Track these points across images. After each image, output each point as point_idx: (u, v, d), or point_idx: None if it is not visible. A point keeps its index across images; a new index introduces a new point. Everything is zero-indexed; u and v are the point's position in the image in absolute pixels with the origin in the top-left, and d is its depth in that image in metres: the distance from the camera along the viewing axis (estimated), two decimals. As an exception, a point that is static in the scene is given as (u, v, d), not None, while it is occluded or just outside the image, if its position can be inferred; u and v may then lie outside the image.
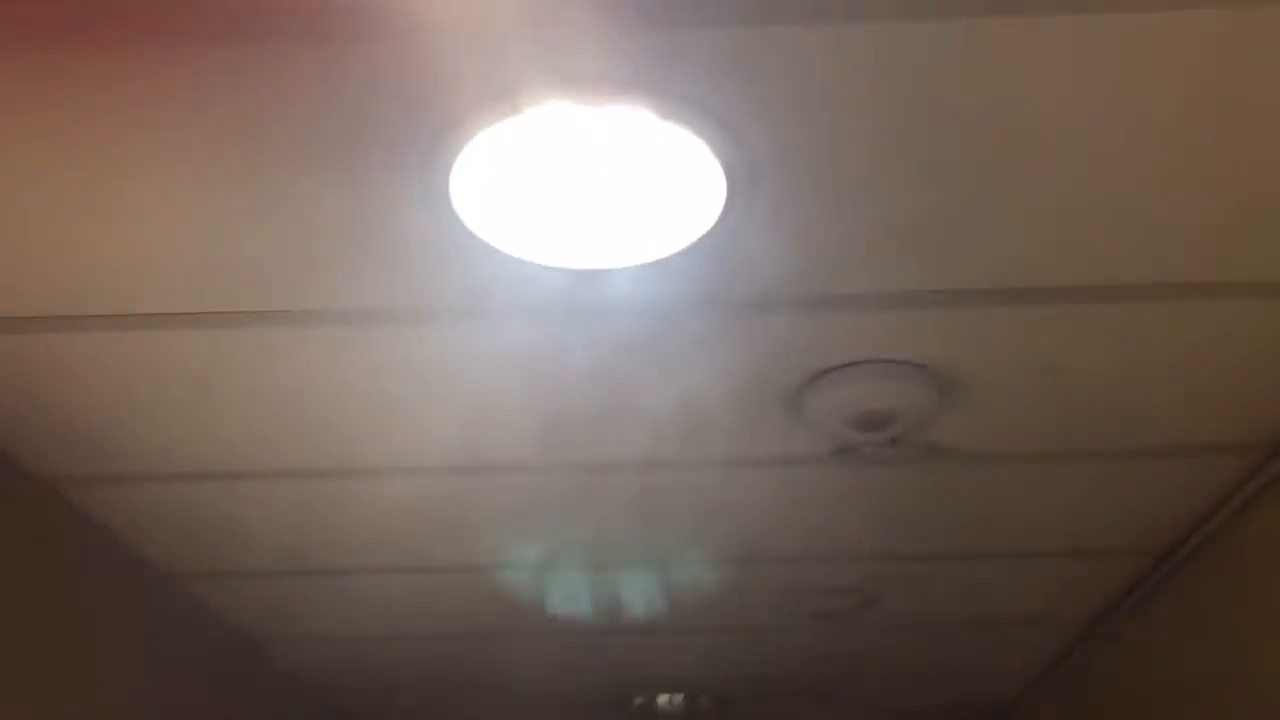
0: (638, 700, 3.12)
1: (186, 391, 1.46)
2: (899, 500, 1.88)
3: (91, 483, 1.69)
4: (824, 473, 1.73)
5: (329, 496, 1.78)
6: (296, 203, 1.14)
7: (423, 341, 1.37)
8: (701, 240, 1.20)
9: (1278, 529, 1.76)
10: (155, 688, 1.91)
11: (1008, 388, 1.53)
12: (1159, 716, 2.29)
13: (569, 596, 2.28)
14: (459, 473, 1.70)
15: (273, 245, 1.20)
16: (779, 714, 3.23)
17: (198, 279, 1.26)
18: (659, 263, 1.23)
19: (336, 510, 1.82)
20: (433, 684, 2.90)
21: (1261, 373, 1.50)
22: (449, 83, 1.00)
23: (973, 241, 1.23)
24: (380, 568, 2.07)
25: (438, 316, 1.32)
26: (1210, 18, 0.95)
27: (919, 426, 1.57)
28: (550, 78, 1.00)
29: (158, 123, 1.03)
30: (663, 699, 3.08)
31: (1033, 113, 1.06)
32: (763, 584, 2.24)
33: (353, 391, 1.47)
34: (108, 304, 1.29)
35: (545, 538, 1.96)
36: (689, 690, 3.10)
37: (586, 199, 1.16)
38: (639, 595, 2.33)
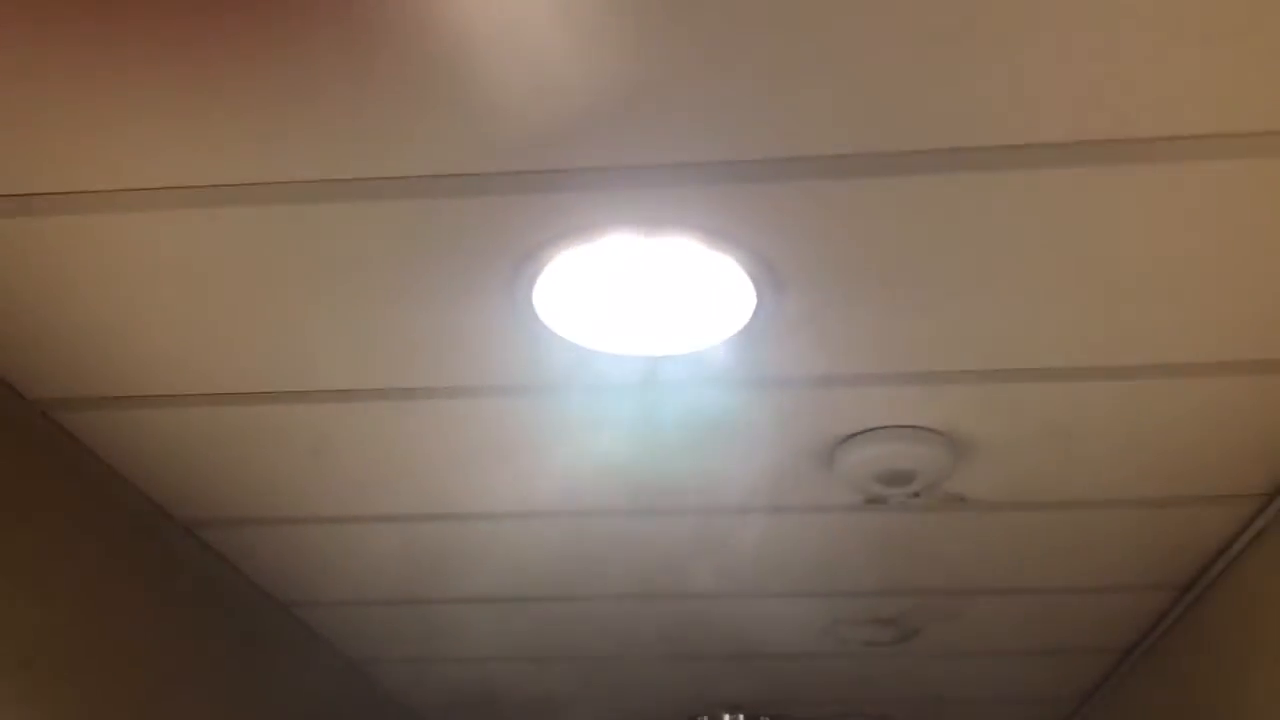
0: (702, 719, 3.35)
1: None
2: (929, 541, 2.09)
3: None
4: (858, 519, 1.96)
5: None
6: (411, 316, 1.42)
7: (519, 413, 1.63)
8: (739, 334, 1.44)
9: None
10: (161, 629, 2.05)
11: (1017, 448, 1.74)
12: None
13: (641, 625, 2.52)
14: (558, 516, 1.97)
15: (395, 343, 1.48)
16: (833, 734, 3.43)
17: (320, 360, 1.54)
18: (706, 351, 1.48)
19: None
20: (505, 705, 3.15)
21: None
22: (539, 222, 1.26)
23: (971, 336, 1.46)
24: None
25: (528, 393, 1.59)
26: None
27: (938, 481, 1.79)
28: (619, 218, 1.26)
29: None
30: (725, 718, 3.30)
31: (1007, 246, 1.29)
32: (812, 616, 2.46)
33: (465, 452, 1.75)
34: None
35: (615, 574, 2.20)
36: (749, 712, 3.32)
37: (646, 303, 1.41)
38: (703, 622, 2.56)
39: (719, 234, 1.28)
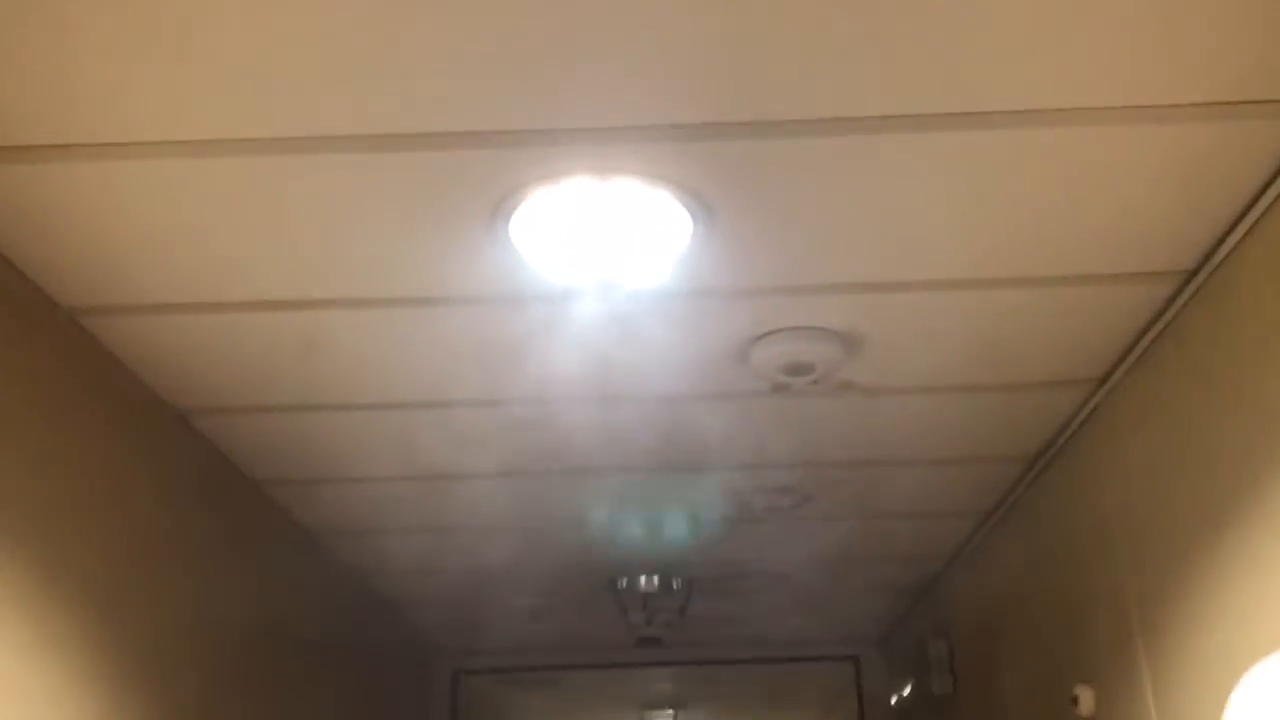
0: (623, 581, 3.77)
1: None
2: (823, 421, 2.49)
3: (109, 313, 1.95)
4: (765, 402, 2.34)
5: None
6: (411, 244, 1.72)
7: (495, 321, 1.96)
8: (674, 256, 1.78)
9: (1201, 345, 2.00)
10: (159, 520, 2.27)
11: (895, 344, 2.13)
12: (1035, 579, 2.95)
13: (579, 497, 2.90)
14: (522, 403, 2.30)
15: (387, 247, 1.79)
16: (737, 590, 3.89)
17: (332, 276, 1.83)
18: (648, 270, 1.82)
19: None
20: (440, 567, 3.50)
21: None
22: (515, 170, 1.58)
23: (858, 258, 1.83)
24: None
25: (504, 304, 1.91)
26: (992, 134, 1.53)
27: (832, 371, 2.18)
28: (578, 166, 1.58)
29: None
30: (642, 580, 3.74)
31: (882, 192, 1.64)
32: (720, 488, 2.87)
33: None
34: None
35: (567, 450, 2.56)
36: (663, 573, 3.75)
37: (600, 233, 1.73)
38: (625, 499, 2.95)
39: (659, 177, 1.61)
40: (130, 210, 1.64)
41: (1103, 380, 2.31)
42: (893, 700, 4.48)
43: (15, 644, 1.77)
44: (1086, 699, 2.51)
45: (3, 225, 1.67)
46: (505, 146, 1.53)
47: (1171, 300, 1.99)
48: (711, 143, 1.53)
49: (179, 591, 2.35)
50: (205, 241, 1.73)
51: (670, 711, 6.20)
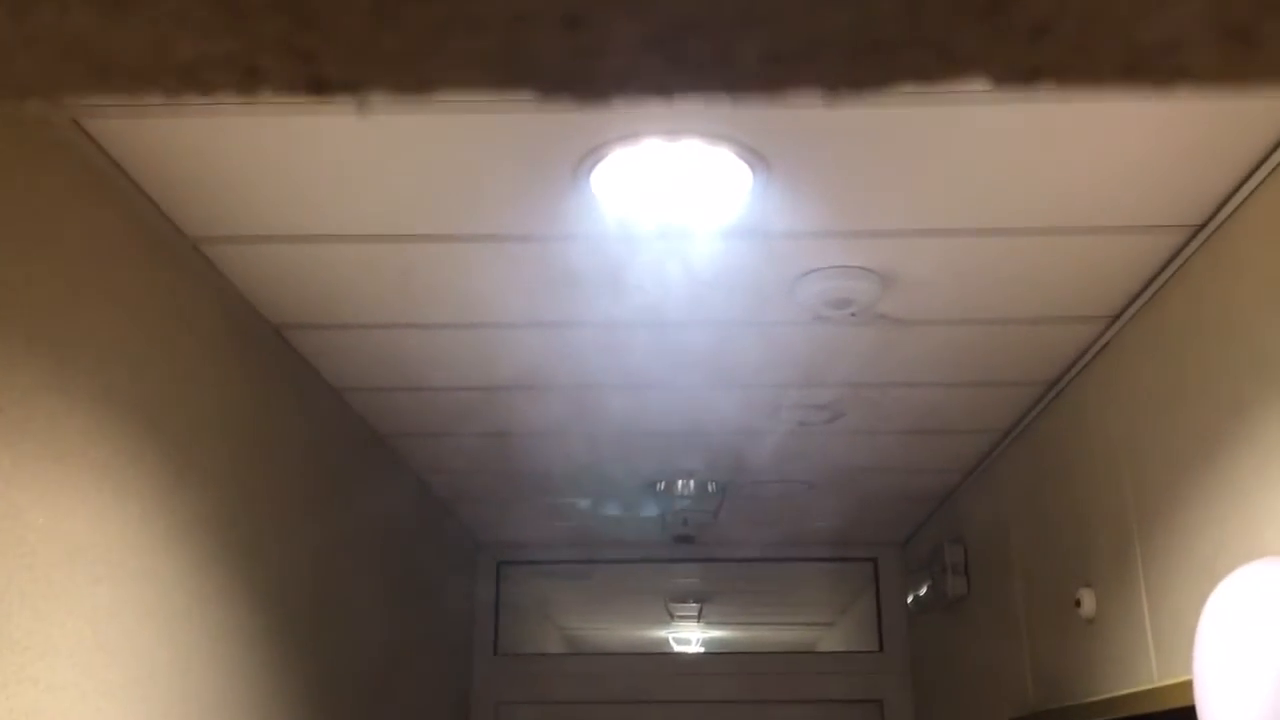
0: (660, 484, 4.05)
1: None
2: (858, 348, 2.72)
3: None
4: (808, 330, 2.58)
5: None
6: (505, 192, 1.95)
7: (579, 257, 2.20)
8: (734, 205, 2.00)
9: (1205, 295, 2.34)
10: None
11: (927, 282, 2.35)
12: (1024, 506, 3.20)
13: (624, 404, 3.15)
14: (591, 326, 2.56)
15: (483, 192, 2.02)
16: (767, 495, 4.17)
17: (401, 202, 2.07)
18: (711, 216, 2.04)
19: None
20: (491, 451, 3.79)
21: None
22: (597, 130, 1.79)
23: (896, 206, 2.04)
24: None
25: (589, 240, 2.15)
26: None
27: (870, 305, 2.40)
28: (652, 128, 1.80)
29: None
30: (680, 483, 4.01)
31: (919, 155, 1.85)
32: (762, 402, 3.12)
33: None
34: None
35: (625, 367, 2.81)
36: (700, 478, 4.03)
37: (672, 183, 1.96)
38: (669, 407, 3.20)
39: (720, 137, 1.82)
40: (252, 155, 1.87)
41: (1115, 318, 2.53)
42: (909, 600, 4.78)
43: (151, 533, 2.05)
44: (1088, 601, 2.78)
45: (142, 165, 1.91)
46: (589, 111, 1.74)
47: (1180, 250, 2.20)
48: (766, 109, 1.75)
49: (276, 485, 2.64)
50: (314, 183, 1.96)
51: (695, 605, 6.55)
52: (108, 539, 1.90)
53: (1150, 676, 2.42)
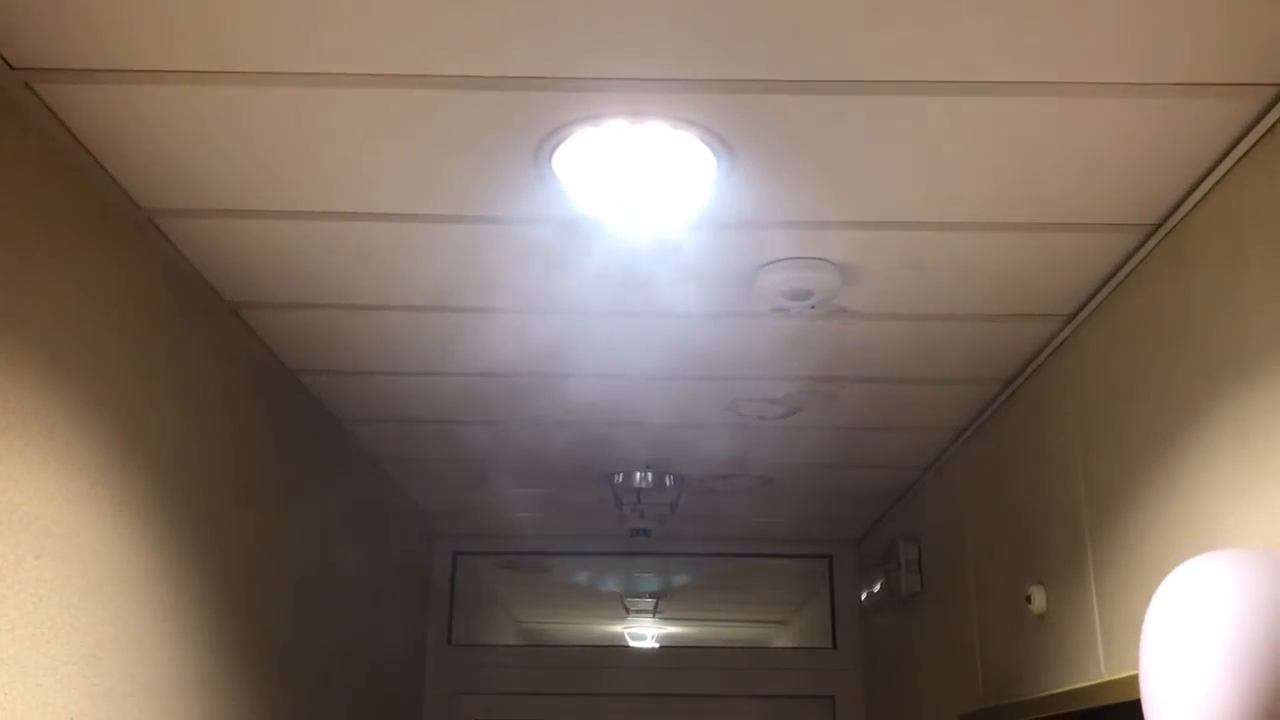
0: (619, 476, 4.05)
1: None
2: (816, 341, 2.73)
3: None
4: (766, 322, 2.58)
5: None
6: (466, 169, 1.93)
7: (541, 237, 2.18)
8: (696, 192, 2.00)
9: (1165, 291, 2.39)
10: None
11: (886, 275, 2.36)
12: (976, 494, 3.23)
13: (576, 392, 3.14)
14: (550, 313, 2.54)
15: (442, 172, 2.00)
16: (724, 489, 4.17)
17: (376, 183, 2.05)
18: (673, 202, 2.04)
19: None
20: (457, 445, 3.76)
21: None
22: (560, 111, 1.78)
23: (857, 199, 2.05)
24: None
25: (548, 225, 2.13)
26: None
27: (829, 297, 2.41)
28: (615, 110, 1.79)
29: (393, 123, 1.81)
30: (638, 474, 4.01)
31: (877, 148, 1.86)
32: (718, 395, 3.12)
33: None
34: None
35: (585, 357, 2.80)
36: (657, 470, 4.02)
37: (634, 167, 1.95)
38: (635, 400, 3.19)
39: (685, 121, 1.82)
40: (210, 129, 1.85)
41: (1071, 316, 2.55)
42: (863, 596, 4.80)
43: (98, 509, 2.02)
44: (1039, 598, 2.81)
45: (100, 137, 1.88)
46: (550, 90, 1.74)
47: (1136, 249, 2.22)
48: (732, 95, 1.75)
49: (229, 466, 2.61)
50: (273, 158, 1.94)
51: (651, 600, 6.54)
52: (53, 512, 1.87)
53: (1099, 671, 2.45)
